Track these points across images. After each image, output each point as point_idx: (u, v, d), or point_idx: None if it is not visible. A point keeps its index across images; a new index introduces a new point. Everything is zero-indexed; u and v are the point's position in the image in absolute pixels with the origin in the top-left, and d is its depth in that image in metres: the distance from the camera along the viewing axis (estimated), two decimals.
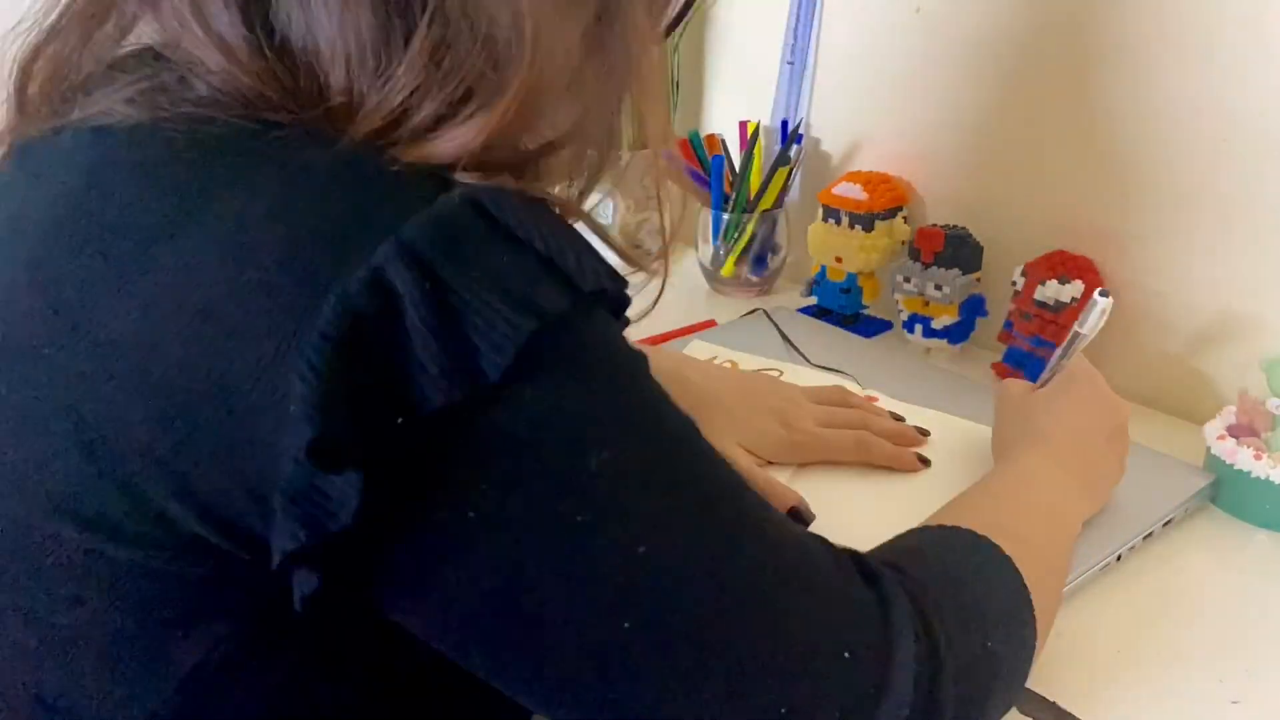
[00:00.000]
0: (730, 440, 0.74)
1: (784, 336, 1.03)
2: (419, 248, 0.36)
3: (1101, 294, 0.72)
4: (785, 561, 0.43)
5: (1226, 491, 0.80)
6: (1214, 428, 0.82)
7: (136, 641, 0.40)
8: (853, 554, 0.47)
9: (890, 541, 0.55)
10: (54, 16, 0.47)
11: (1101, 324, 0.74)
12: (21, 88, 0.47)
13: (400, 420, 0.36)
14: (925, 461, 0.78)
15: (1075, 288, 0.93)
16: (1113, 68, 0.93)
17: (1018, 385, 0.78)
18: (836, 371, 0.94)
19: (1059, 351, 0.76)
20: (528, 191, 0.41)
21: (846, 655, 0.42)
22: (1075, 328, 0.75)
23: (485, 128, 0.41)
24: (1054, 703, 0.62)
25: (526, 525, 0.38)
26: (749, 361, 0.94)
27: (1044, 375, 0.77)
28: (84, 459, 0.39)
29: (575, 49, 0.43)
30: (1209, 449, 0.82)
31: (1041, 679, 0.63)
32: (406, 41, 0.40)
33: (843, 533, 0.49)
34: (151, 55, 0.45)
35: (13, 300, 0.41)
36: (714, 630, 0.40)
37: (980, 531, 0.53)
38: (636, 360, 0.42)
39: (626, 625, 0.39)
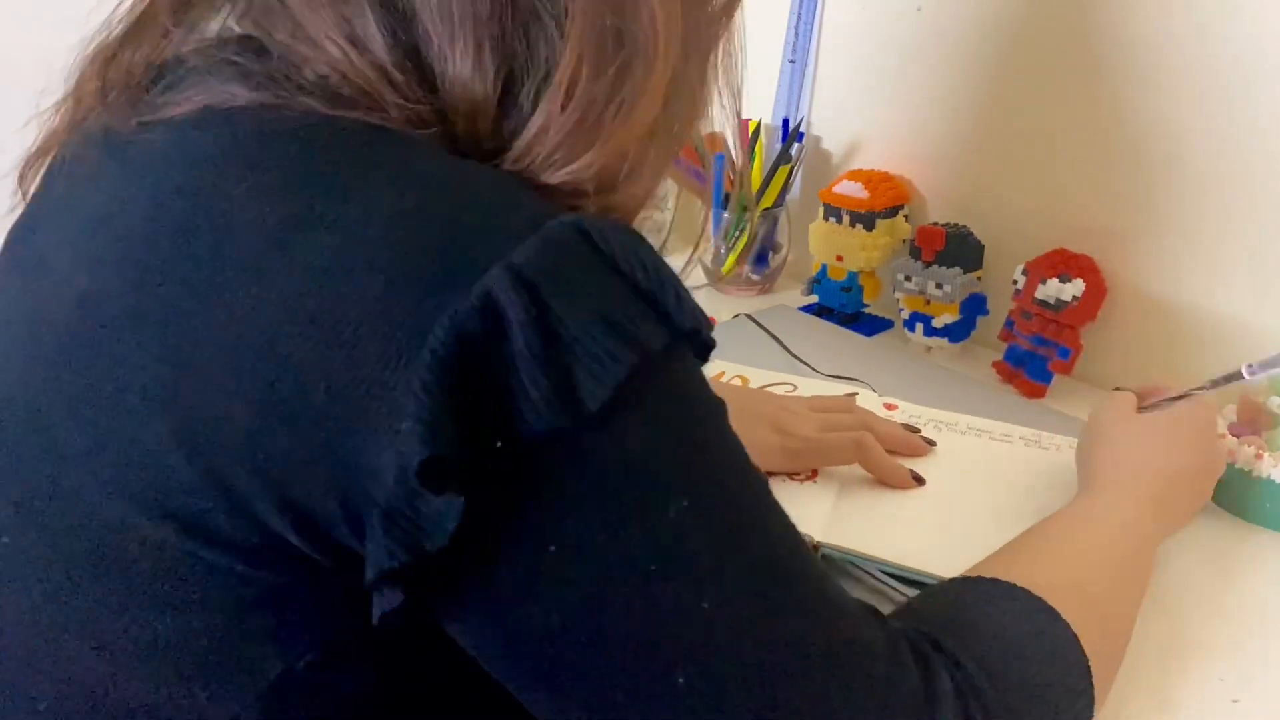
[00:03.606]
0: None
1: (775, 338, 1.03)
2: (528, 274, 0.36)
3: None
4: (840, 637, 0.42)
5: (1228, 490, 0.80)
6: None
7: (225, 648, 0.40)
8: (904, 631, 0.46)
9: (943, 597, 0.53)
10: (140, 8, 0.47)
11: (1262, 381, 0.69)
12: (103, 72, 0.47)
13: (499, 444, 0.36)
14: (920, 480, 0.76)
15: (1076, 286, 0.93)
16: (1114, 66, 0.93)
17: (1126, 400, 0.74)
18: (850, 379, 0.93)
19: (1200, 385, 0.71)
20: (626, 223, 0.41)
21: None
22: (1242, 369, 0.69)
23: (608, 152, 0.42)
24: None
25: (599, 565, 0.38)
26: (758, 376, 0.92)
27: (1164, 398, 0.73)
28: (185, 461, 0.38)
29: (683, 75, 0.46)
30: None
31: None
32: (546, 76, 0.42)
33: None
34: (251, 49, 0.45)
35: (120, 302, 0.41)
36: (763, 697, 0.40)
37: (1047, 593, 0.52)
38: (720, 408, 0.42)
39: (681, 680, 0.39)
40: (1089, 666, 0.50)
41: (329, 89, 0.42)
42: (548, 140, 0.42)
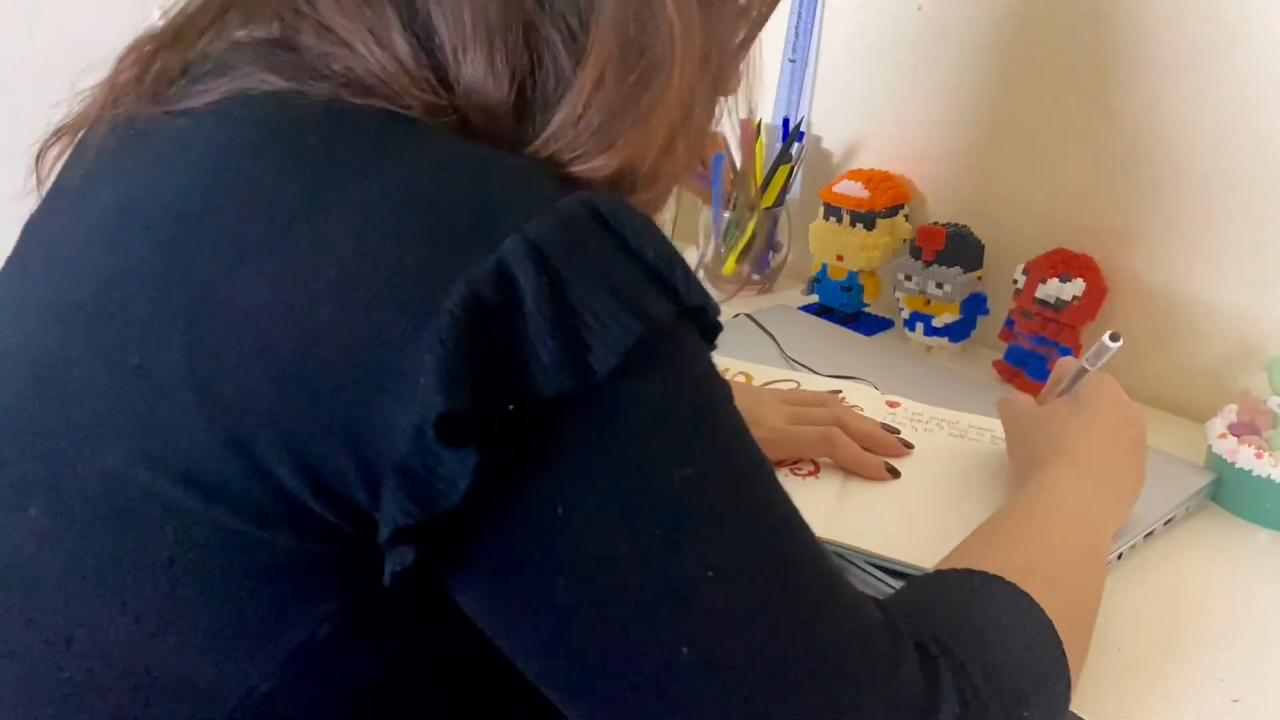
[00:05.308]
0: None
1: (773, 338, 1.03)
2: (541, 244, 0.38)
3: (1112, 338, 0.72)
4: (843, 620, 0.43)
5: (1227, 490, 0.80)
6: (1215, 426, 0.82)
7: (247, 615, 0.41)
8: (904, 624, 0.46)
9: (925, 589, 0.54)
10: (187, 13, 0.49)
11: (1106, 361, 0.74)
12: (147, 66, 0.48)
13: (511, 406, 0.37)
14: (894, 473, 0.76)
15: (1076, 286, 0.93)
16: (1114, 65, 0.93)
17: (1023, 400, 0.77)
18: (851, 379, 0.93)
19: (1065, 383, 0.75)
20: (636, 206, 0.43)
21: None
22: (1082, 363, 0.74)
23: (625, 156, 0.44)
24: None
25: (605, 528, 0.39)
26: (761, 374, 0.93)
27: (1059, 389, 0.76)
28: (210, 430, 0.39)
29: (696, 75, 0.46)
30: (1210, 447, 0.82)
31: None
32: (564, 74, 0.43)
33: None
34: (276, 44, 0.46)
35: (146, 277, 0.42)
36: (765, 671, 0.40)
37: (1015, 578, 0.53)
38: (726, 389, 0.43)
39: (685, 650, 0.39)
40: (1065, 653, 0.51)
41: (351, 79, 0.43)
42: (564, 139, 0.43)
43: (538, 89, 0.44)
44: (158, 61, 0.48)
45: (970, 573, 0.54)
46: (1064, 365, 0.77)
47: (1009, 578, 0.53)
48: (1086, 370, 0.74)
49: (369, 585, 0.40)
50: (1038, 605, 0.52)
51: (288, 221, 0.40)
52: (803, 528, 0.44)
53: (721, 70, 0.50)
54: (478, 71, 0.43)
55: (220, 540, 0.40)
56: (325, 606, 0.41)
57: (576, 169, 0.44)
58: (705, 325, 0.43)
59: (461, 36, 0.43)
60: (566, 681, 0.41)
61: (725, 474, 0.41)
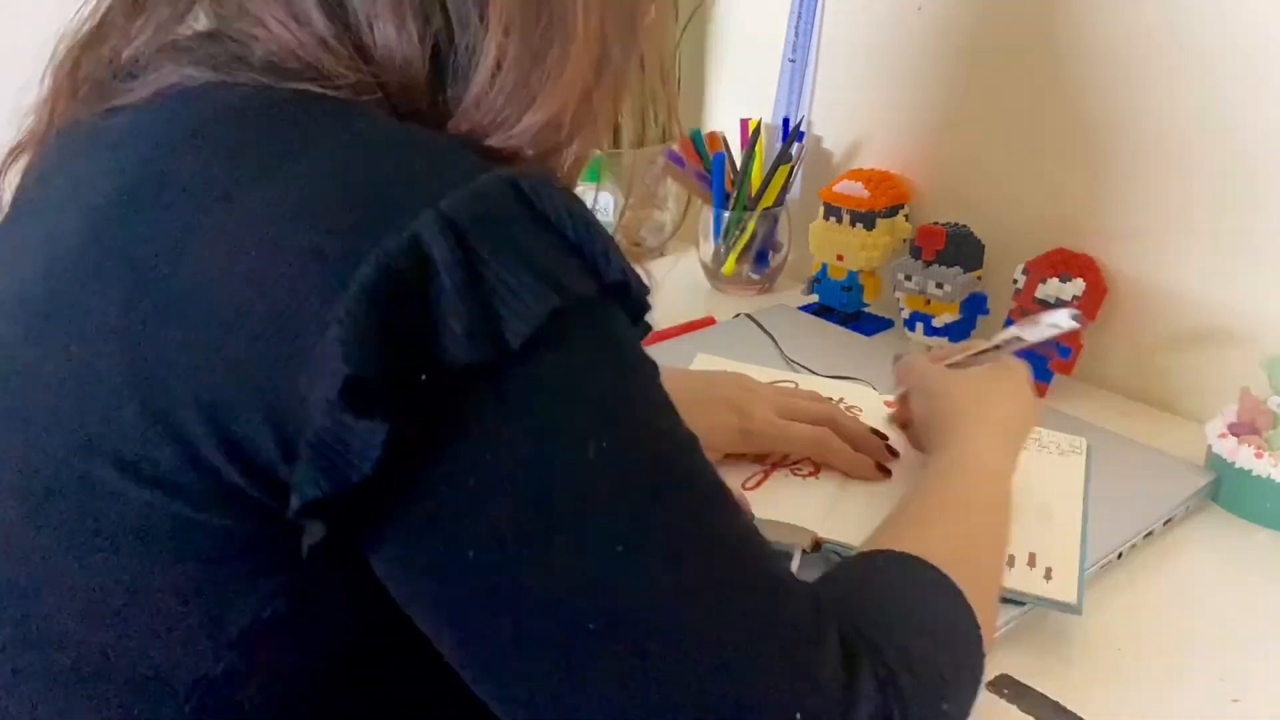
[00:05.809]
0: None
1: (772, 338, 1.03)
2: (456, 219, 0.38)
3: (1073, 317, 0.73)
4: (762, 605, 0.42)
5: (1227, 490, 0.80)
6: (1215, 426, 0.82)
7: (193, 600, 0.41)
8: (831, 615, 0.45)
9: (852, 573, 0.54)
10: (100, 12, 0.49)
11: (1047, 337, 0.75)
12: (73, 72, 0.49)
13: (423, 377, 0.37)
14: (885, 471, 0.76)
15: (1076, 285, 0.93)
16: (1114, 66, 0.93)
17: (923, 360, 0.77)
18: (849, 379, 0.93)
19: (994, 343, 0.76)
20: (560, 181, 0.43)
21: (798, 716, 0.41)
22: (1016, 331, 0.75)
23: (545, 114, 0.44)
24: (1055, 700, 0.62)
25: (515, 501, 0.39)
26: (759, 374, 0.93)
27: (959, 359, 0.77)
28: (141, 411, 0.40)
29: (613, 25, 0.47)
30: (1210, 447, 0.82)
31: (1042, 677, 0.63)
32: (477, 41, 0.44)
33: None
34: (206, 36, 0.47)
35: (80, 266, 0.43)
36: (675, 650, 0.40)
37: (938, 560, 0.53)
38: (648, 364, 0.43)
39: (591, 626, 0.39)
40: (982, 638, 0.51)
41: (275, 65, 0.44)
42: (484, 105, 0.44)
43: (455, 56, 0.44)
44: (84, 66, 0.49)
45: (895, 557, 0.54)
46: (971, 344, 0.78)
47: (932, 559, 0.53)
48: (1018, 339, 0.74)
49: (311, 565, 0.40)
50: (960, 590, 0.52)
51: (212, 203, 0.40)
52: (726, 505, 0.43)
53: (631, 23, 0.49)
54: (389, 38, 0.44)
55: (159, 525, 0.40)
56: (269, 586, 0.41)
57: (501, 136, 0.44)
58: (631, 302, 0.43)
59: (372, 3, 0.44)
60: (477, 657, 0.41)
61: (642, 448, 0.41)
